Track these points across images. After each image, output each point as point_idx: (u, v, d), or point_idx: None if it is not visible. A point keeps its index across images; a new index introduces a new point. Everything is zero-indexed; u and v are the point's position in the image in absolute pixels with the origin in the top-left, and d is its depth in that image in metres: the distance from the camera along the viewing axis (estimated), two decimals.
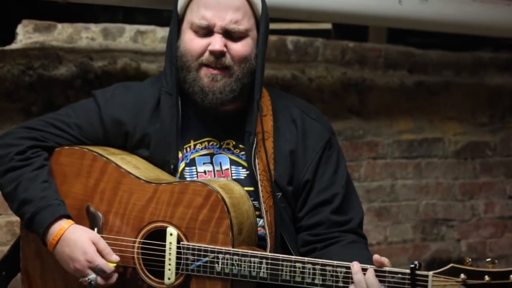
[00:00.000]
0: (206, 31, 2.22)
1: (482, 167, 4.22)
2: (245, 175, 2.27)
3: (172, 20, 2.31)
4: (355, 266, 2.01)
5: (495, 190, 4.26)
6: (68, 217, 2.18)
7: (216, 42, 2.20)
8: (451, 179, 4.12)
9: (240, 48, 2.23)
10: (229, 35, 2.22)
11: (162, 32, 3.31)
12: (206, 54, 2.22)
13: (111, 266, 2.14)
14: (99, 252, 2.14)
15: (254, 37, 2.27)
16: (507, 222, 4.31)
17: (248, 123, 2.26)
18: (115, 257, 2.15)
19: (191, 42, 2.24)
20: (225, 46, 2.21)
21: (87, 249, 2.13)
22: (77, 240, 2.14)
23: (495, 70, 4.25)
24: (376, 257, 2.01)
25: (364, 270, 2.00)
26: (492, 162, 4.25)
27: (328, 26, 3.90)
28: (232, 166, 2.28)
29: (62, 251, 2.15)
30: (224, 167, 2.28)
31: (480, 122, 4.21)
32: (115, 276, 2.15)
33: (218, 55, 2.21)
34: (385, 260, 2.01)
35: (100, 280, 2.13)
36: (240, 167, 2.29)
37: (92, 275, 2.13)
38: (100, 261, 2.13)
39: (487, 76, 4.21)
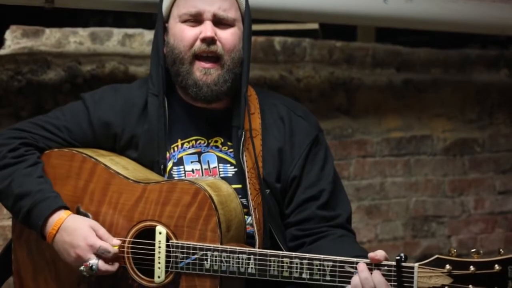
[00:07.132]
0: (196, 20, 2.26)
1: (471, 164, 4.23)
2: (233, 172, 2.29)
3: (157, 21, 2.34)
4: (361, 265, 2.00)
5: (485, 186, 4.28)
6: (66, 208, 2.19)
7: (207, 30, 2.24)
8: (441, 176, 4.14)
9: (229, 36, 2.27)
10: (218, 23, 2.26)
11: (150, 35, 3.31)
12: (198, 42, 2.25)
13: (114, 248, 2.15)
14: (99, 237, 2.15)
15: (240, 29, 2.31)
16: (497, 217, 4.32)
17: (235, 118, 2.29)
18: (116, 241, 2.16)
19: (182, 33, 2.27)
20: (215, 34, 2.25)
21: (87, 235, 2.14)
22: (77, 228, 2.15)
23: (482, 67, 4.26)
24: (371, 255, 2.01)
25: (356, 263, 2.01)
26: (481, 158, 4.26)
27: (315, 26, 3.91)
28: (220, 164, 2.30)
29: (62, 240, 2.15)
30: (212, 166, 2.30)
31: (468, 119, 4.22)
32: (116, 265, 2.16)
33: (210, 41, 2.24)
34: (380, 255, 2.01)
35: (101, 264, 2.13)
36: (228, 165, 2.30)
37: (94, 260, 2.13)
38: (102, 243, 2.14)
39: (475, 73, 4.23)
